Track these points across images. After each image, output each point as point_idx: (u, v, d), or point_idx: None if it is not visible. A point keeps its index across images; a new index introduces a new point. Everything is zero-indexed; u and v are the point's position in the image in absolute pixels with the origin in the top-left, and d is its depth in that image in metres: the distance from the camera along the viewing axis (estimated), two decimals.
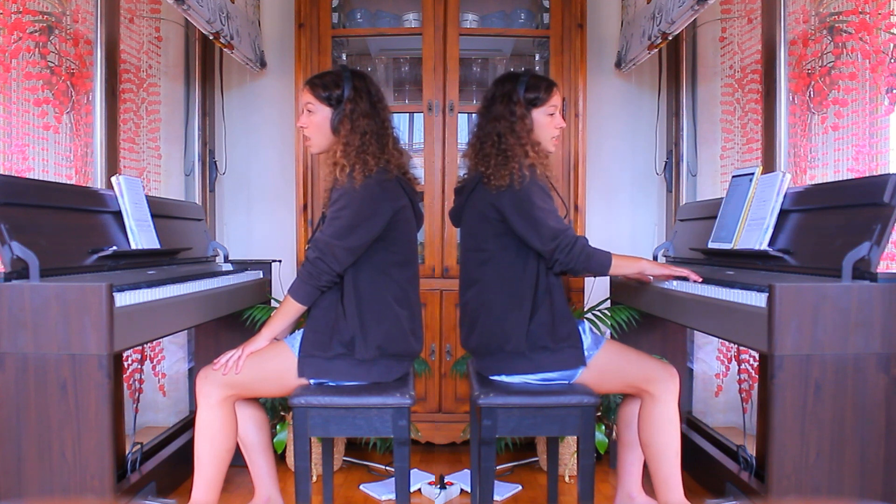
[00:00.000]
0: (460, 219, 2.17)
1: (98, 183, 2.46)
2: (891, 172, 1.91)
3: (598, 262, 2.03)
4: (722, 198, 2.46)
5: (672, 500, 2.06)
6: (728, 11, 3.07)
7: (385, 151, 2.00)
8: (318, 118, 2.04)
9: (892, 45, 2.11)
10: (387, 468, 2.90)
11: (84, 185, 2.53)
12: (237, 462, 2.19)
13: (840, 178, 2.28)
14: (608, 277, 2.88)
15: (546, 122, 2.10)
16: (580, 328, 2.06)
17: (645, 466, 2.22)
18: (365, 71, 2.13)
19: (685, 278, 2.10)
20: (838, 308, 1.69)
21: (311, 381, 1.98)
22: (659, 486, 2.08)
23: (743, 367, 2.89)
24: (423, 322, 2.16)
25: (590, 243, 2.03)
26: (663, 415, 2.05)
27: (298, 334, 2.03)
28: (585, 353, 2.03)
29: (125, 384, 2.62)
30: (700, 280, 2.06)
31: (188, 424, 2.81)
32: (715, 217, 2.45)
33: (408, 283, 2.05)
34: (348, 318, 1.96)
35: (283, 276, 3.05)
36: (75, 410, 1.72)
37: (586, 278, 3.05)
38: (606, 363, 2.05)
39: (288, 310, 2.01)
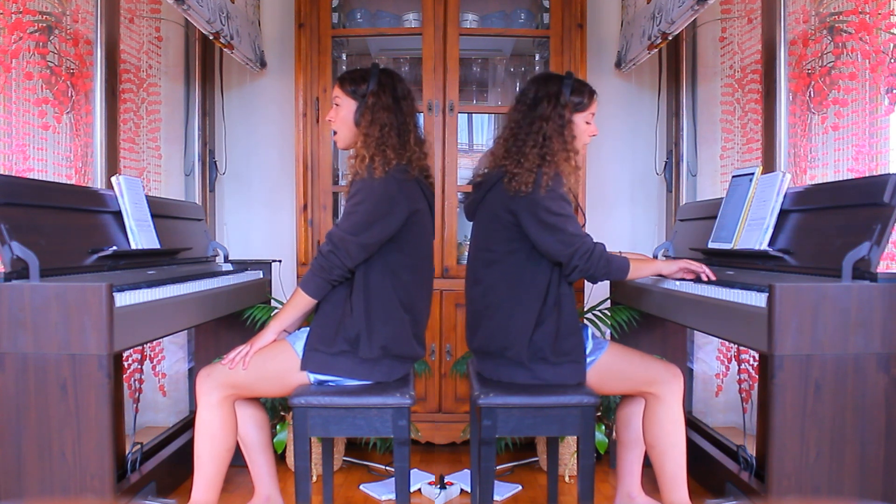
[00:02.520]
0: (475, 214, 2.15)
1: (98, 183, 2.46)
2: (891, 172, 1.91)
3: (617, 268, 2.01)
4: (722, 198, 2.46)
5: (676, 500, 2.06)
6: (728, 11, 3.07)
7: (406, 148, 2.00)
8: (344, 112, 2.06)
9: (892, 45, 2.11)
10: (387, 468, 2.90)
11: (84, 185, 2.53)
12: (237, 462, 2.19)
13: (840, 178, 2.28)
14: None
15: (583, 128, 2.08)
16: (583, 334, 2.04)
17: (645, 466, 2.22)
18: (396, 70, 2.13)
19: (698, 277, 2.09)
20: (838, 308, 1.69)
21: (312, 378, 1.98)
22: (664, 486, 2.07)
23: (743, 367, 2.89)
24: (426, 328, 2.15)
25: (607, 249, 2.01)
26: (668, 415, 2.04)
27: (300, 333, 2.03)
28: (588, 359, 2.02)
29: (125, 384, 2.62)
30: (713, 277, 2.06)
31: (188, 424, 2.81)
32: (715, 217, 2.45)
33: (416, 288, 2.04)
34: (355, 315, 1.96)
35: (283, 276, 3.05)
36: (75, 410, 1.72)
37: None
38: (610, 366, 2.04)
39: (297, 302, 2.01)
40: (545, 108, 2.03)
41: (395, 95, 2.03)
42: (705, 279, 2.05)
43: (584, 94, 2.07)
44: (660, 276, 2.21)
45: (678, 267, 2.12)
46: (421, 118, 3.11)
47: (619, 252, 2.36)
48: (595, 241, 2.00)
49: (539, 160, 1.98)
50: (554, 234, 1.95)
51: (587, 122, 2.09)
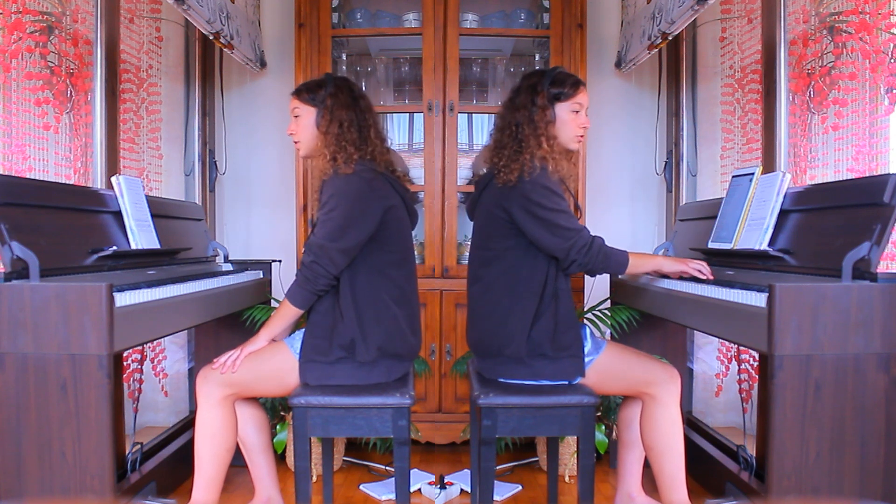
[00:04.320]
0: (474, 212, 2.17)
1: (98, 183, 2.46)
2: (891, 172, 1.91)
3: (616, 262, 2.02)
4: (722, 198, 2.46)
5: (676, 500, 2.06)
6: (728, 11, 3.07)
7: (367, 142, 2.03)
8: (305, 120, 2.08)
9: (892, 45, 2.11)
10: (387, 468, 2.90)
11: (84, 185, 2.53)
12: (237, 462, 2.19)
13: (840, 178, 2.28)
14: (608, 277, 2.89)
15: (569, 118, 2.06)
16: (582, 332, 2.05)
17: (645, 466, 2.22)
18: (349, 77, 2.17)
19: (697, 276, 2.09)
20: (838, 308, 1.69)
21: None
22: (663, 486, 2.07)
23: (743, 367, 2.89)
24: (422, 320, 2.16)
25: (605, 242, 2.02)
26: (666, 416, 2.04)
27: (297, 335, 2.03)
28: (586, 360, 2.02)
29: (125, 384, 2.62)
30: (712, 277, 2.06)
31: (188, 424, 2.81)
32: (715, 217, 2.45)
33: (405, 282, 2.06)
34: (346, 321, 1.96)
35: (283, 276, 3.05)
36: (75, 410, 1.72)
37: (586, 278, 3.05)
38: (607, 366, 2.04)
39: (285, 313, 2.02)
40: (521, 98, 2.06)
41: (352, 95, 2.07)
42: (703, 278, 2.06)
43: (565, 84, 2.05)
44: (661, 272, 2.21)
45: (680, 269, 2.13)
46: (421, 118, 3.12)
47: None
48: (594, 234, 2.00)
49: (516, 148, 2.01)
50: (549, 230, 1.96)
51: (574, 112, 2.06)
